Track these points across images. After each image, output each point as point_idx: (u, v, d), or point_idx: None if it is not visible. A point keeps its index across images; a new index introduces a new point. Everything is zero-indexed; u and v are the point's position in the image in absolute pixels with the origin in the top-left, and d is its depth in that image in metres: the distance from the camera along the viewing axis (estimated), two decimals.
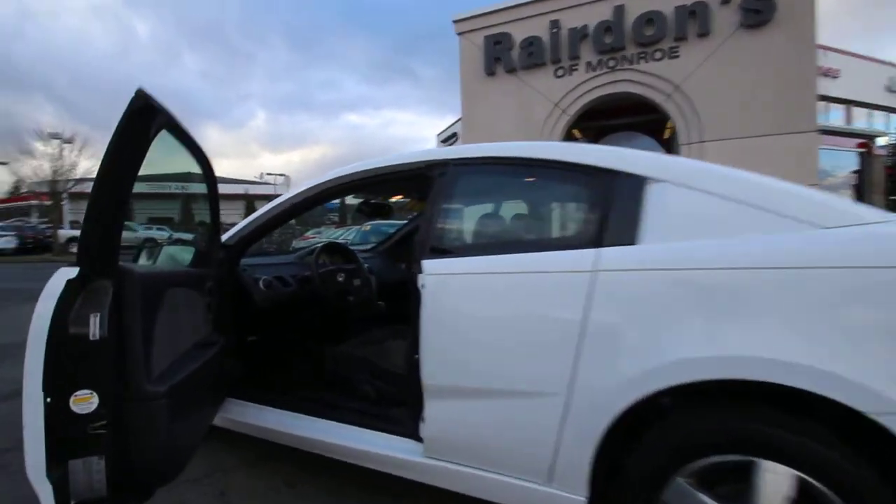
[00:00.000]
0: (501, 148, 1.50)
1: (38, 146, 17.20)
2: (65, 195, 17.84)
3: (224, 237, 1.95)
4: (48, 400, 0.93)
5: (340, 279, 2.30)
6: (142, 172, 1.03)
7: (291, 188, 2.05)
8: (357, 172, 1.76)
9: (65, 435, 0.95)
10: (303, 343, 2.42)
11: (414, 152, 1.66)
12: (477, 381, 1.33)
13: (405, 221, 3.71)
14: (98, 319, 0.93)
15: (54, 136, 17.14)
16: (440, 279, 1.39)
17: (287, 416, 1.78)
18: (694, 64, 7.36)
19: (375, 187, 2.04)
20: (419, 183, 1.64)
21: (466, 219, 1.64)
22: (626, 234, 1.22)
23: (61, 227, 17.53)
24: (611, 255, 1.20)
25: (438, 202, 1.51)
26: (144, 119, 1.02)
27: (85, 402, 0.92)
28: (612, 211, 1.26)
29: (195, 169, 1.45)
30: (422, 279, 1.41)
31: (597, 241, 1.24)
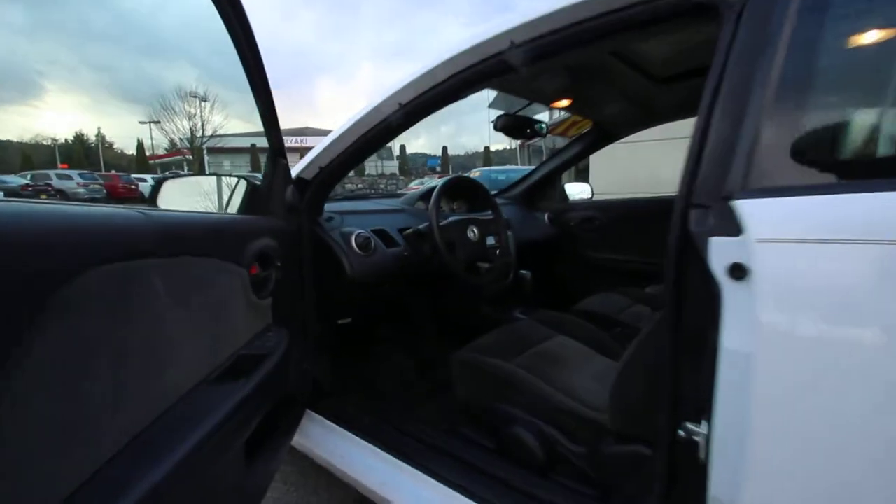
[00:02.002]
0: None
1: (179, 105, 19.36)
2: (203, 149, 19.91)
3: (296, 168, 1.24)
4: None
5: (472, 236, 1.47)
6: None
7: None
8: (522, 26, 0.86)
9: None
10: (413, 339, 1.69)
11: None
12: None
13: (527, 168, 2.74)
14: None
15: (193, 95, 18.95)
16: (811, 253, 0.48)
17: (386, 461, 1.07)
18: None
19: (556, 57, 1.02)
20: (686, 29, 0.70)
21: (866, 98, 0.63)
22: None
23: None
24: None
25: (763, 65, 0.56)
26: None
27: None
28: None
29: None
30: (735, 250, 0.51)
31: None
